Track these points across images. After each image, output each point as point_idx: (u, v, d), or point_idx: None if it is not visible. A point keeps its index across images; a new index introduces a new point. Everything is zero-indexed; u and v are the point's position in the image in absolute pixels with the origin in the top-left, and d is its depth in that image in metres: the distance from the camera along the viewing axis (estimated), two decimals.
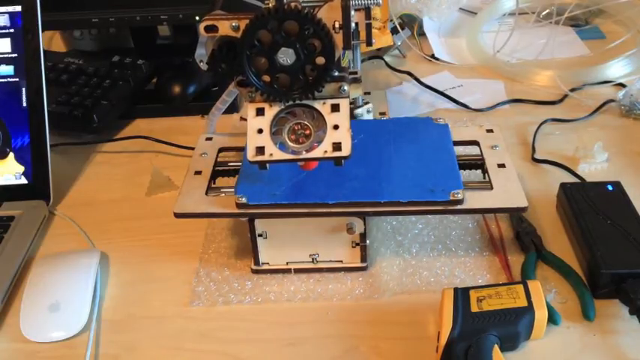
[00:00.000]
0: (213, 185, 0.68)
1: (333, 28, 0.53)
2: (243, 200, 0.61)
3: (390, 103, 0.92)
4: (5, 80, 0.79)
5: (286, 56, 0.54)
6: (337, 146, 0.56)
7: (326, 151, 0.56)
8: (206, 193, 0.65)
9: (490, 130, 0.72)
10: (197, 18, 0.94)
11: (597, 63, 0.97)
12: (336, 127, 0.57)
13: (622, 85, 0.92)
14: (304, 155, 0.57)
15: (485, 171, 0.67)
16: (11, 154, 0.79)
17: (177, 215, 0.63)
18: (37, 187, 0.79)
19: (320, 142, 0.57)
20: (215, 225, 0.74)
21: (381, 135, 0.69)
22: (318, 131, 0.57)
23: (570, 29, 1.10)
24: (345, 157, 0.57)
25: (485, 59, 1.02)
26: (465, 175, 0.68)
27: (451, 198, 0.60)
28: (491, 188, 0.63)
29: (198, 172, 0.68)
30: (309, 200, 0.61)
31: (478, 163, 0.69)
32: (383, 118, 0.84)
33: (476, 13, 1.14)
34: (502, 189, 0.63)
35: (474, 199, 0.61)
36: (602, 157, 0.78)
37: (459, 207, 0.61)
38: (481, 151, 0.69)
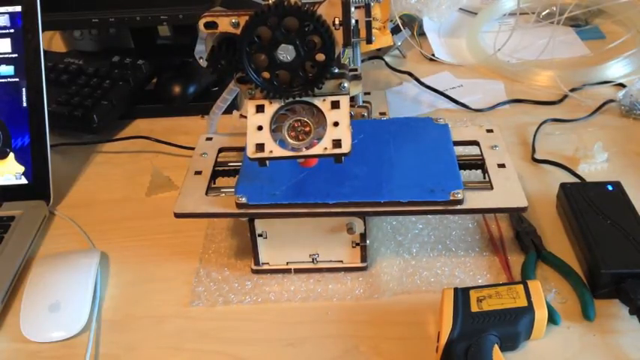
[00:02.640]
0: (213, 185, 0.68)
1: (334, 24, 0.53)
2: (243, 200, 0.61)
3: (390, 104, 0.92)
4: (5, 80, 0.79)
5: (286, 53, 0.53)
6: (337, 143, 0.56)
7: (326, 148, 0.56)
8: (206, 193, 0.65)
9: (490, 130, 0.72)
10: (196, 19, 0.94)
11: (597, 63, 0.97)
12: (336, 124, 0.57)
13: (622, 85, 0.92)
14: (304, 152, 0.57)
15: (485, 171, 0.67)
16: (11, 154, 0.79)
17: (178, 215, 0.63)
18: (37, 187, 0.79)
19: (320, 139, 0.57)
20: (215, 225, 0.74)
21: (381, 135, 0.69)
22: (317, 128, 0.57)
23: (570, 29, 1.10)
24: (345, 154, 0.56)
25: (486, 59, 1.02)
26: (465, 175, 0.68)
27: (451, 198, 0.60)
28: (492, 188, 0.63)
29: (198, 172, 0.68)
30: (310, 200, 0.61)
31: (478, 163, 0.69)
32: (383, 118, 0.84)
33: (476, 13, 1.14)
34: (502, 189, 0.63)
35: (474, 199, 0.61)
36: (602, 157, 0.78)
37: (459, 207, 0.61)
38: (481, 151, 0.69)
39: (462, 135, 0.71)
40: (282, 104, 0.57)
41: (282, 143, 0.57)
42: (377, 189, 0.62)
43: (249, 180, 0.63)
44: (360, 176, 0.63)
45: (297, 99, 0.57)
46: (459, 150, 0.69)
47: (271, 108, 0.57)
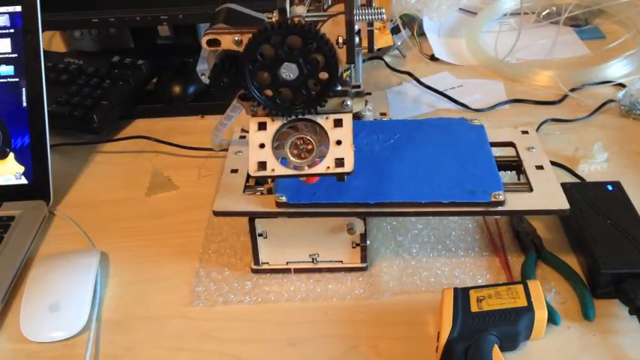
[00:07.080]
0: (247, 184, 0.67)
1: (337, 43, 0.52)
2: (284, 199, 0.61)
3: (390, 104, 0.92)
4: (5, 80, 0.79)
5: (289, 71, 0.53)
6: (340, 162, 0.55)
7: (329, 167, 0.56)
8: (243, 192, 0.65)
9: (525, 132, 0.71)
10: (197, 19, 0.94)
11: (597, 63, 0.97)
12: (338, 142, 0.56)
13: (622, 85, 0.92)
14: (306, 171, 0.56)
15: (522, 172, 0.66)
16: (11, 154, 0.79)
17: (217, 213, 0.63)
18: (37, 187, 0.79)
19: (322, 157, 0.56)
20: (215, 225, 0.74)
21: (416, 135, 0.69)
22: (320, 146, 0.57)
23: (570, 29, 1.09)
24: (348, 173, 0.56)
25: (486, 59, 1.02)
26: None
27: (492, 199, 0.60)
28: (531, 190, 0.63)
29: (234, 171, 0.68)
30: (350, 200, 0.61)
31: (513, 165, 0.68)
32: (384, 118, 0.84)
33: (476, 13, 1.14)
34: (542, 191, 0.62)
35: (514, 201, 0.61)
36: (602, 157, 0.78)
37: (500, 208, 0.61)
38: (517, 152, 0.68)
39: (496, 136, 0.71)
40: (285, 122, 0.57)
41: (285, 161, 0.57)
42: (418, 189, 0.62)
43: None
44: (400, 176, 0.63)
45: (300, 117, 0.56)
46: (493, 151, 0.68)
47: (273, 125, 0.57)
